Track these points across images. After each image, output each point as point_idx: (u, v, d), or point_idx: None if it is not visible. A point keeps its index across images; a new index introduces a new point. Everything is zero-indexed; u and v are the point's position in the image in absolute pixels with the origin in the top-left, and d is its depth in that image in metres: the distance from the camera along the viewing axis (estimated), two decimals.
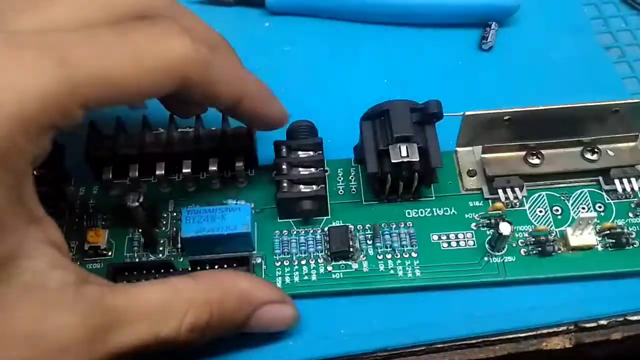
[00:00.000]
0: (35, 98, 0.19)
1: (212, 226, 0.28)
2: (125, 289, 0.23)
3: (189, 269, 0.28)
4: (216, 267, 0.28)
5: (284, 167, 0.30)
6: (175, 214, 0.31)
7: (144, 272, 0.28)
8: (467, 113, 0.30)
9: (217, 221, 0.28)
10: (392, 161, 0.28)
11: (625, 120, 0.31)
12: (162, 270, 0.28)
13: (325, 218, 0.31)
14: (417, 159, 0.28)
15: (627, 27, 0.40)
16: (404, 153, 0.28)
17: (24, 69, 0.19)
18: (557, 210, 0.30)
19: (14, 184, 0.20)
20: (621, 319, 0.28)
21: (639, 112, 0.31)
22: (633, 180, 0.30)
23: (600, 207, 0.31)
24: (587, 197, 0.31)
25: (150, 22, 0.22)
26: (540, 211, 0.30)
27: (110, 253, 0.30)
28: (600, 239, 0.29)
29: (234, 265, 0.28)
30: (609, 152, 0.31)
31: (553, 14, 0.40)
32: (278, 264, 0.29)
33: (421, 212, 0.31)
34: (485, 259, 0.29)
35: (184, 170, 0.31)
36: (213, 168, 0.31)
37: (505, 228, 0.28)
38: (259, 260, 0.29)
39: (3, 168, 0.19)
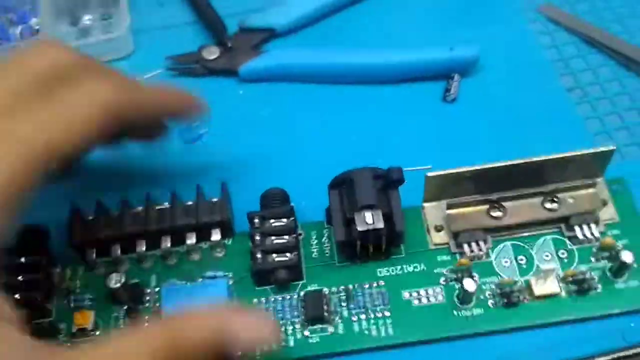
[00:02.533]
0: (8, 179, 0.23)
1: (190, 301, 0.29)
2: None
3: None
4: None
5: (257, 238, 0.32)
6: (157, 289, 0.32)
7: None
8: (428, 174, 0.31)
9: (195, 298, 0.30)
10: (359, 229, 0.30)
11: (583, 167, 0.32)
12: None
13: (300, 283, 0.32)
14: (382, 226, 0.30)
15: (588, 66, 0.41)
16: (369, 220, 0.30)
17: None
18: (522, 259, 0.32)
19: None
20: None
21: (596, 160, 0.32)
22: (593, 225, 0.32)
23: (563, 253, 0.32)
24: (550, 244, 0.33)
25: (72, 82, 0.26)
26: (506, 261, 0.32)
27: (97, 333, 0.31)
28: (564, 285, 0.31)
29: None
30: (569, 199, 0.32)
31: (514, 60, 0.42)
32: None
33: (392, 271, 0.33)
34: (455, 312, 0.31)
35: (163, 246, 0.32)
36: (191, 242, 0.32)
37: (469, 285, 0.29)
38: None
39: None
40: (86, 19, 0.45)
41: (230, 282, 0.32)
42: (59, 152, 0.25)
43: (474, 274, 0.31)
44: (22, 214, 0.24)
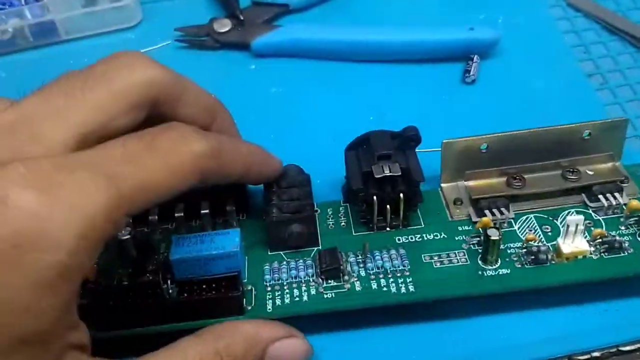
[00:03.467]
0: (94, 216, 0.21)
1: (201, 248, 0.28)
2: None
3: (177, 289, 0.28)
4: (204, 286, 0.28)
5: (273, 198, 0.31)
6: (166, 254, 0.30)
7: (130, 293, 0.28)
8: (445, 140, 0.31)
9: (206, 244, 0.29)
10: (376, 176, 0.29)
11: (600, 142, 0.32)
12: (149, 291, 0.28)
13: (315, 248, 0.31)
14: (399, 173, 0.30)
15: (609, 53, 0.41)
16: (386, 170, 0.30)
17: (81, 191, 0.21)
18: (547, 228, 0.31)
19: (70, 297, 0.21)
20: (614, 349, 0.28)
21: (610, 134, 0.32)
22: (617, 194, 0.31)
23: (590, 223, 0.31)
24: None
25: (167, 127, 0.24)
26: (530, 231, 0.31)
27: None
28: (593, 249, 0.30)
29: (223, 284, 0.28)
30: (588, 172, 0.32)
31: (534, 44, 0.41)
32: (269, 288, 0.30)
33: (411, 238, 0.31)
34: (480, 272, 0.29)
35: (177, 214, 0.31)
36: (205, 211, 0.31)
37: (493, 233, 0.28)
38: (249, 287, 0.29)
39: (66, 282, 0.21)
40: None
41: (243, 244, 0.31)
42: (146, 199, 0.23)
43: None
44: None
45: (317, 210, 0.32)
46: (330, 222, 0.32)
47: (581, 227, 0.29)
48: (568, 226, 0.29)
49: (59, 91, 0.24)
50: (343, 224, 0.32)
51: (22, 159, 0.21)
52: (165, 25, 0.42)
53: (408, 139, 0.31)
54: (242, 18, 0.41)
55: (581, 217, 0.29)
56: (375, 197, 0.30)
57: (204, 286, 0.28)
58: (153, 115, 0.26)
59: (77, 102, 0.24)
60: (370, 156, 0.30)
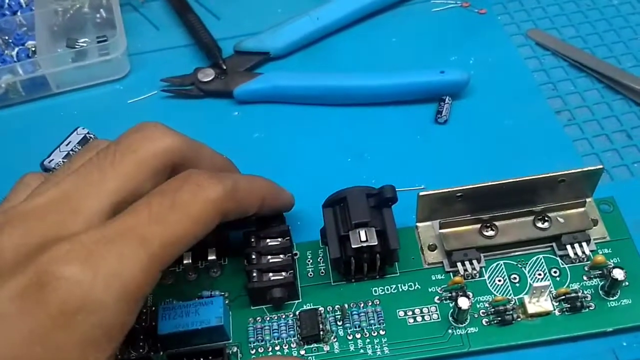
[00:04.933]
0: (132, 278, 0.23)
1: (186, 321, 0.30)
2: None
3: None
4: (193, 359, 0.29)
5: (253, 256, 0.32)
6: (153, 308, 0.32)
7: None
8: (421, 194, 0.32)
9: (191, 316, 0.30)
10: (353, 246, 0.30)
11: (572, 187, 0.33)
12: None
13: (296, 302, 0.32)
14: (376, 243, 0.30)
15: (576, 89, 0.42)
16: (363, 238, 0.30)
17: (118, 259, 0.23)
18: (515, 278, 0.32)
19: (113, 353, 0.24)
20: None
21: (584, 180, 0.32)
22: (584, 244, 0.32)
23: (555, 272, 0.32)
24: (542, 263, 0.33)
25: (185, 179, 0.26)
26: (499, 280, 0.32)
27: None
28: (557, 304, 0.31)
29: (210, 357, 0.30)
30: (559, 219, 0.33)
31: (504, 83, 0.42)
32: (253, 351, 0.31)
33: (387, 289, 0.32)
34: (450, 331, 0.31)
35: None
36: (187, 261, 0.32)
37: (463, 303, 0.29)
38: (234, 349, 0.31)
39: (110, 339, 0.23)
40: (82, 41, 0.45)
41: (227, 302, 0.32)
42: (176, 251, 0.25)
43: (468, 292, 0.31)
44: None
45: (296, 254, 0.34)
46: (310, 269, 0.33)
47: (546, 293, 0.30)
48: (534, 291, 0.30)
49: (92, 167, 0.26)
50: (322, 271, 0.33)
51: (65, 235, 0.23)
52: (152, 76, 0.43)
53: (385, 200, 0.31)
54: (224, 67, 0.43)
55: (547, 283, 0.30)
56: (352, 259, 0.31)
57: (193, 359, 0.30)
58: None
59: (109, 174, 0.26)
60: (347, 220, 0.31)
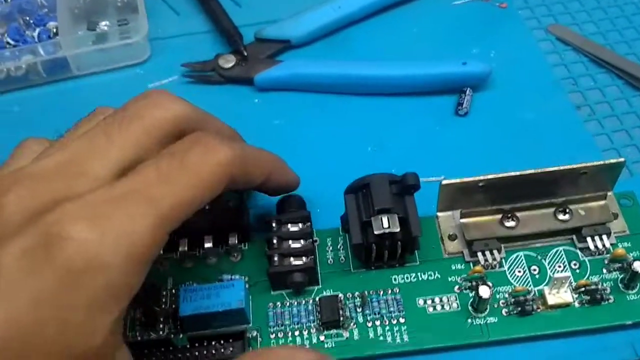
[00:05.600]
0: (140, 238, 0.23)
1: (208, 304, 0.30)
2: None
3: (188, 345, 0.30)
4: (213, 342, 0.30)
5: (274, 241, 0.32)
6: (173, 291, 0.32)
7: (145, 350, 0.29)
8: (444, 182, 0.32)
9: (212, 299, 0.30)
10: (375, 232, 0.30)
11: (593, 180, 0.33)
12: (163, 349, 0.29)
13: (316, 288, 0.32)
14: (398, 230, 0.30)
15: (596, 85, 0.42)
16: (385, 224, 0.30)
17: (126, 218, 0.23)
18: (535, 269, 0.32)
19: (119, 316, 0.23)
20: None
21: (605, 173, 0.32)
22: (604, 237, 0.32)
23: (575, 264, 0.32)
24: (562, 255, 0.32)
25: (194, 141, 0.26)
26: (519, 271, 0.32)
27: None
28: (576, 296, 0.31)
29: (230, 340, 0.30)
30: (580, 211, 0.33)
31: (524, 77, 0.42)
32: (272, 336, 0.31)
33: (407, 278, 0.32)
34: (469, 320, 0.31)
35: (181, 249, 0.32)
36: (208, 245, 0.32)
37: (484, 291, 0.29)
38: (254, 334, 0.31)
39: (117, 300, 0.23)
40: (103, 24, 0.46)
41: (247, 286, 0.32)
42: (184, 213, 0.25)
43: (489, 282, 0.31)
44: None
45: (316, 240, 0.34)
46: (330, 256, 0.33)
47: (566, 283, 0.31)
48: (555, 282, 0.30)
49: (99, 131, 0.26)
50: (342, 258, 0.33)
51: (72, 196, 0.23)
52: (172, 61, 0.43)
53: (408, 187, 0.31)
54: (245, 54, 0.43)
55: (568, 275, 0.31)
56: (374, 245, 0.31)
57: (213, 342, 0.30)
58: None
59: (116, 140, 0.25)
60: (370, 206, 0.31)
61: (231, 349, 0.30)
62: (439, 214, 0.34)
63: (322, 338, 0.31)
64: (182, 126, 0.27)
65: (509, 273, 0.32)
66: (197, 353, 0.30)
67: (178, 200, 0.24)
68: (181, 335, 0.31)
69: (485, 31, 0.45)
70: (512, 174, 0.32)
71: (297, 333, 0.31)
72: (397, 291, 0.32)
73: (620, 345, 0.30)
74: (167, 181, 0.24)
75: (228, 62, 0.43)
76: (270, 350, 0.27)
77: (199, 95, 0.42)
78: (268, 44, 0.44)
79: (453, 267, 0.33)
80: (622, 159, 0.32)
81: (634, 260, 0.30)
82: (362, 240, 0.31)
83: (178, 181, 0.24)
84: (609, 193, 0.33)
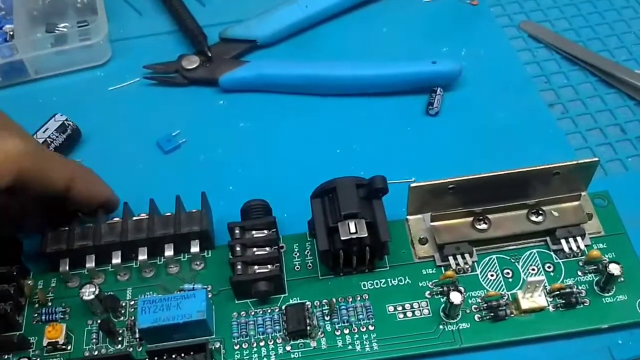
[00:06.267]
0: None
1: (167, 315, 0.28)
2: None
3: (147, 359, 0.28)
4: (174, 356, 0.28)
5: (237, 249, 0.30)
6: (133, 302, 0.31)
7: None
8: (412, 185, 0.31)
9: (172, 310, 0.29)
10: (342, 238, 0.29)
11: (567, 180, 0.32)
12: None
13: (282, 296, 0.31)
14: (366, 235, 0.29)
15: (569, 82, 0.41)
16: (352, 229, 0.29)
17: None
18: (508, 273, 0.31)
19: None
20: None
21: (579, 173, 0.32)
22: (578, 239, 0.32)
23: (549, 267, 0.32)
24: (536, 257, 0.32)
25: None
26: (492, 275, 0.31)
27: (69, 347, 0.30)
28: (551, 299, 0.30)
29: (191, 353, 0.28)
30: (554, 212, 0.32)
31: (496, 76, 0.41)
32: (237, 347, 0.30)
33: (376, 284, 0.32)
34: (441, 327, 0.30)
35: (140, 258, 0.31)
36: (169, 253, 0.31)
37: (455, 297, 0.29)
38: (217, 345, 0.30)
39: None
40: (62, 26, 0.44)
41: (210, 296, 0.31)
42: None
43: (460, 287, 0.31)
44: None
45: (282, 247, 0.33)
46: (297, 263, 0.32)
47: (540, 287, 0.30)
48: (528, 286, 0.29)
49: None
50: (309, 264, 0.32)
51: None
52: (134, 63, 0.42)
53: (375, 191, 0.30)
54: (210, 54, 0.41)
55: (542, 278, 0.30)
56: (341, 252, 0.30)
57: (173, 355, 0.28)
58: (17, 185, 0.27)
59: None
60: (336, 211, 0.30)
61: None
62: (409, 217, 0.33)
63: (288, 348, 0.30)
64: (20, 167, 0.26)
65: (482, 277, 0.31)
66: None
67: None
68: (140, 349, 0.29)
69: (456, 29, 0.44)
70: (483, 175, 0.31)
71: (262, 343, 0.30)
72: (367, 297, 0.31)
73: (597, 350, 0.30)
74: None
75: (192, 63, 0.41)
76: None
77: (161, 97, 0.41)
78: (233, 44, 0.43)
79: (424, 272, 0.32)
80: (596, 159, 0.31)
81: (610, 262, 0.30)
82: (328, 246, 0.30)
83: None
84: (583, 193, 0.33)
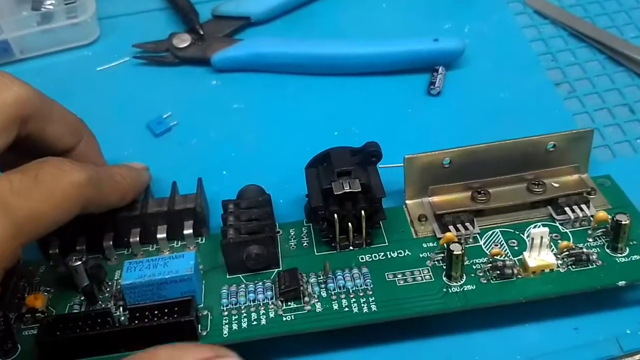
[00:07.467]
0: None
1: (153, 272, 0.28)
2: None
3: (129, 316, 0.28)
4: (156, 312, 0.28)
5: (230, 219, 0.30)
6: (120, 279, 0.30)
7: (80, 323, 0.27)
8: (407, 156, 0.31)
9: (159, 268, 0.28)
10: (335, 193, 0.29)
11: (565, 152, 0.32)
12: (99, 320, 0.27)
13: (276, 270, 0.30)
14: (359, 189, 0.29)
15: (577, 60, 0.41)
16: (346, 186, 0.29)
17: None
18: (514, 242, 0.31)
19: None
20: None
21: (575, 146, 0.32)
22: (583, 206, 0.31)
23: (556, 236, 0.31)
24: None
25: (46, 161, 0.27)
26: (496, 245, 0.31)
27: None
28: (560, 262, 0.30)
29: (176, 309, 0.28)
30: (554, 184, 0.32)
31: (500, 53, 0.41)
32: (225, 313, 0.29)
33: (374, 256, 0.31)
34: (444, 289, 0.29)
35: (132, 239, 0.31)
36: (162, 235, 0.31)
37: (455, 247, 0.28)
38: (205, 312, 0.29)
39: None
40: (48, 4, 0.44)
41: (201, 267, 0.30)
42: (41, 227, 0.25)
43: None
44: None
45: (279, 232, 0.32)
46: (292, 243, 0.32)
47: (546, 239, 0.29)
48: (533, 239, 0.29)
49: None
50: (305, 244, 0.32)
51: None
52: (123, 42, 0.42)
53: (369, 155, 0.30)
54: (202, 32, 0.41)
55: (545, 229, 0.29)
56: (335, 215, 0.30)
57: (155, 312, 0.28)
58: (22, 134, 0.28)
59: None
60: (330, 173, 0.30)
61: (175, 315, 0.28)
62: (408, 201, 0.33)
63: (280, 312, 0.29)
64: (24, 111, 0.27)
65: (486, 247, 0.31)
66: (137, 322, 0.28)
67: (33, 213, 0.25)
68: (121, 309, 0.29)
69: (459, 5, 0.44)
70: (478, 146, 0.31)
71: (253, 309, 0.29)
72: (364, 268, 0.30)
73: (604, 340, 0.29)
74: (20, 194, 0.25)
75: (183, 41, 0.41)
76: (148, 354, 0.24)
77: (151, 77, 0.41)
78: (226, 21, 0.43)
79: (424, 245, 0.31)
80: (589, 129, 0.31)
81: (617, 213, 0.29)
82: (322, 205, 0.30)
83: (32, 196, 0.25)
84: (584, 175, 0.33)
